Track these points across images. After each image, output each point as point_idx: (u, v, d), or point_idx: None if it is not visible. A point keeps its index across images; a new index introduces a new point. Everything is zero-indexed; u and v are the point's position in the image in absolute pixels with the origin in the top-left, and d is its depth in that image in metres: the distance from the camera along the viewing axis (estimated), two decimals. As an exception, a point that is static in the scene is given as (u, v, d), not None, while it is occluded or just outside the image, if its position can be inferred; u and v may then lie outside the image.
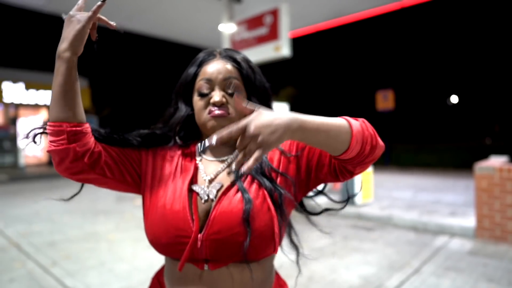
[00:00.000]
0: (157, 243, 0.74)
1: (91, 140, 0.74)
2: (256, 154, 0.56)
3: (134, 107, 30.59)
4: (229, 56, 0.81)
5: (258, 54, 6.63)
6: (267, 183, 0.75)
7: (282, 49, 6.35)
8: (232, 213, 0.71)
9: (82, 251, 3.82)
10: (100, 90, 25.49)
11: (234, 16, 7.92)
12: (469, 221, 4.31)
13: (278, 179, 0.78)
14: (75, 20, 0.66)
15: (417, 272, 3.07)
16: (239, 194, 0.73)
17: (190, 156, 0.83)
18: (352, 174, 0.75)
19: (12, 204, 6.63)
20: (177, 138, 0.84)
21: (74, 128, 0.70)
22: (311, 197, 0.89)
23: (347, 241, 4.05)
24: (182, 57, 32.45)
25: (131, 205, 6.31)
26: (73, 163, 0.72)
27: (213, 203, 0.74)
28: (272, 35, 6.50)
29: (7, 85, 13.82)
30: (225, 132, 0.57)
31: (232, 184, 0.75)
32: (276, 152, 0.81)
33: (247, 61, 0.82)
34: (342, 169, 0.74)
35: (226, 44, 7.88)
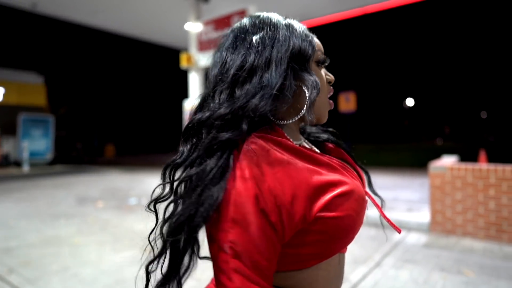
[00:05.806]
0: (352, 234, 0.64)
1: None
2: None
3: (92, 106, 29.28)
4: None
5: (226, 55, 6.65)
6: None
7: (250, 50, 6.40)
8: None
9: (43, 256, 3.64)
10: (57, 88, 24.11)
11: (201, 16, 7.86)
12: (424, 216, 4.64)
13: None
14: None
15: (378, 266, 3.27)
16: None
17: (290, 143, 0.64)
18: None
19: (-41, 209, 6.12)
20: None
21: None
22: None
23: (313, 238, 4.19)
24: (145, 55, 31.53)
25: (93, 207, 6.07)
26: None
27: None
28: (240, 36, 6.53)
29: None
30: None
31: None
32: None
33: None
34: None
35: (193, 44, 7.81)
